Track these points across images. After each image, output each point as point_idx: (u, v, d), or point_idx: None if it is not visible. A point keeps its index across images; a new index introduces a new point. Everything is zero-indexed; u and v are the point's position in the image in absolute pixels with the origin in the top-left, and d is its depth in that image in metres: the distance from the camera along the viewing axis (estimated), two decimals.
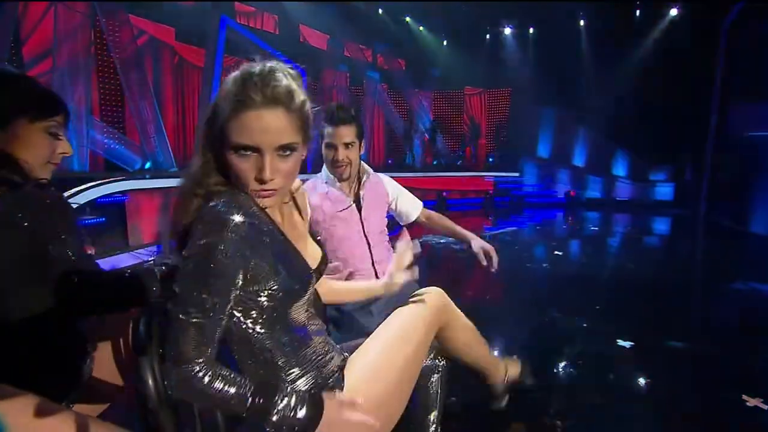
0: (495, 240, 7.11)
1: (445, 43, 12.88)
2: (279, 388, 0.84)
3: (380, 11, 11.36)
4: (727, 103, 9.61)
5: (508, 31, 12.29)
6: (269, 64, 0.85)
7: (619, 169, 11.75)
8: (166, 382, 0.83)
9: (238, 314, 0.88)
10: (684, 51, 9.88)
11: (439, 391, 1.29)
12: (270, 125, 0.81)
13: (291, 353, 0.94)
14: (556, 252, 5.88)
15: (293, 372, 0.94)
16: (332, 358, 1.02)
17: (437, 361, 1.31)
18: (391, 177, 7.54)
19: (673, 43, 10.16)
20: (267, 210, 0.91)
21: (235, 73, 0.85)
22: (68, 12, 6.69)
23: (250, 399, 0.80)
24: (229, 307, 0.83)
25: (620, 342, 2.80)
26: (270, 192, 0.85)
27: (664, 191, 11.27)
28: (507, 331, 3.11)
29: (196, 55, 8.75)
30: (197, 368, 0.78)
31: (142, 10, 7.62)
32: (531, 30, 11.97)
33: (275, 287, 0.87)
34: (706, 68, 9.81)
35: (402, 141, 12.60)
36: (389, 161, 11.90)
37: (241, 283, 0.83)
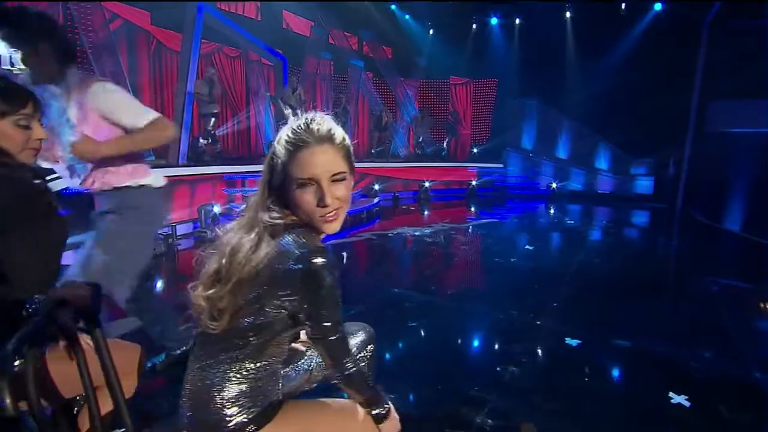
0: (471, 232, 7.18)
1: (431, 32, 12.76)
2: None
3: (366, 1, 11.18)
4: (707, 99, 9.70)
5: (494, 21, 12.19)
6: (310, 113, 1.02)
7: (602, 162, 11.84)
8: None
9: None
10: (667, 46, 9.92)
11: None
12: (321, 158, 0.97)
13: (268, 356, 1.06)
14: (527, 246, 5.95)
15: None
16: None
17: None
18: (375, 166, 7.58)
19: (657, 38, 10.18)
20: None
21: (284, 128, 1.01)
22: None
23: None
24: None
25: (568, 340, 2.86)
26: (333, 214, 1.00)
27: (645, 185, 11.40)
28: (459, 327, 3.16)
29: (176, 40, 8.55)
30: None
31: None
32: (517, 21, 11.89)
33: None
34: (688, 63, 9.87)
35: (386, 130, 12.53)
36: (372, 151, 11.85)
37: None
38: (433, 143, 13.08)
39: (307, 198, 0.97)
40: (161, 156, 7.03)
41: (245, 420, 0.99)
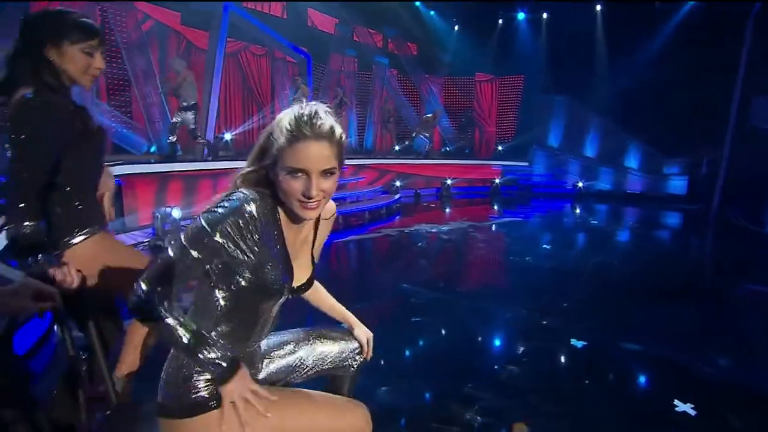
0: (490, 230, 7.09)
1: (456, 28, 12.61)
2: (213, 341, 1.02)
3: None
4: (751, 95, 9.16)
5: (521, 16, 11.93)
6: (315, 106, 1.03)
7: (632, 161, 11.41)
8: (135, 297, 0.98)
9: (215, 279, 1.05)
10: (705, 40, 9.42)
11: None
12: (316, 154, 0.99)
13: (228, 335, 1.08)
14: (544, 246, 5.82)
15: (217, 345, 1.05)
16: (255, 358, 1.18)
17: None
18: (397, 163, 7.52)
19: (694, 32, 9.70)
20: (281, 221, 1.07)
21: (288, 113, 1.02)
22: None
23: (188, 336, 0.99)
24: (205, 269, 1.02)
25: (573, 341, 2.81)
26: (315, 204, 1.02)
27: (678, 185, 10.91)
28: (463, 324, 3.15)
29: (205, 39, 8.80)
30: (156, 298, 0.98)
31: None
32: (545, 15, 11.59)
33: (251, 279, 1.03)
34: (727, 59, 9.35)
35: (409, 127, 12.51)
36: (396, 147, 11.84)
37: (223, 259, 1.01)
38: (457, 140, 12.98)
39: (295, 185, 1.00)
40: (189, 151, 7.31)
41: (206, 396, 1.02)
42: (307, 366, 1.29)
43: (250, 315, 1.09)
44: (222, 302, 1.05)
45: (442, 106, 13.13)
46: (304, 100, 1.06)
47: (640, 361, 2.67)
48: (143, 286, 0.96)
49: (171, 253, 0.97)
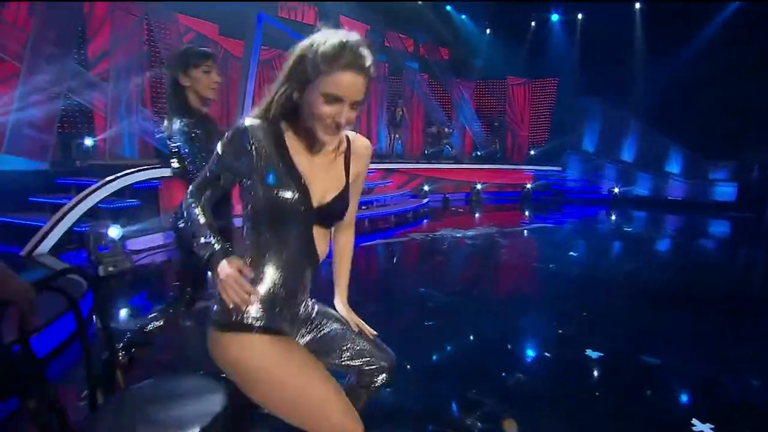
0: (516, 236, 6.97)
1: (488, 31, 12.49)
2: (213, 231, 1.13)
3: (419, 1, 11.22)
4: None
5: (555, 17, 11.67)
6: (356, 36, 1.05)
7: (673, 166, 10.87)
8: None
9: (243, 197, 1.16)
10: (752, 39, 8.88)
11: None
12: (355, 85, 1.02)
13: (259, 254, 1.14)
14: (571, 253, 5.66)
15: (259, 268, 1.14)
16: (297, 296, 1.20)
17: None
18: (426, 167, 7.56)
19: (741, 28, 9.16)
20: (287, 140, 1.12)
21: (331, 38, 1.02)
22: (124, 15, 7.35)
23: (200, 222, 1.14)
24: (223, 178, 1.16)
25: (588, 352, 2.74)
26: (339, 130, 1.07)
27: (726, 191, 10.30)
28: (476, 330, 3.13)
29: (241, 48, 9.18)
30: (192, 199, 1.18)
31: (188, 9, 8.16)
32: (579, 16, 11.28)
33: (262, 194, 1.09)
34: None
35: (441, 131, 12.47)
36: (426, 152, 11.82)
37: (231, 171, 1.14)
38: (487, 145, 12.82)
39: (328, 111, 1.02)
40: None
41: (254, 317, 1.12)
42: (345, 352, 1.28)
43: (278, 240, 1.12)
44: (248, 219, 1.14)
45: (473, 110, 13.03)
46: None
47: (660, 375, 2.55)
48: (187, 196, 1.19)
49: (207, 167, 1.18)
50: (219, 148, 1.13)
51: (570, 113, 11.95)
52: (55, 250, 4.49)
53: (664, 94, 10.03)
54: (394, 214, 7.83)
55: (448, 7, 11.80)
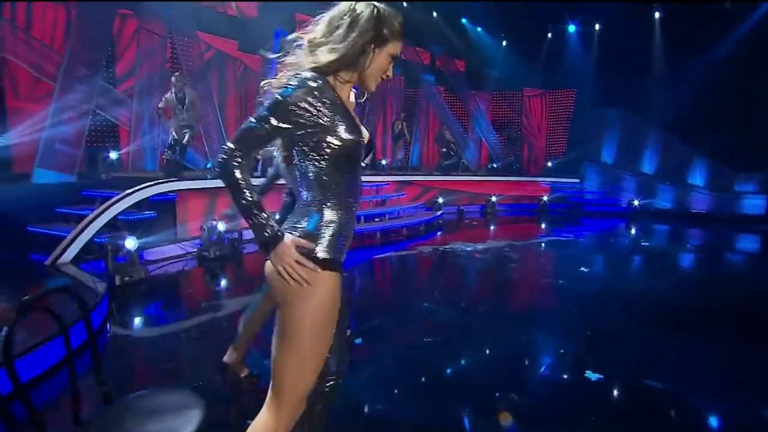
0: (528, 250, 6.88)
1: (504, 43, 12.49)
2: (265, 211, 1.12)
3: (434, 14, 11.33)
4: None
5: (572, 28, 11.59)
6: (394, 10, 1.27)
7: (696, 178, 10.55)
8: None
9: (307, 149, 1.20)
10: None
11: None
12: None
13: (337, 204, 1.21)
14: (582, 268, 5.55)
15: (325, 210, 1.21)
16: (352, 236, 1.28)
17: None
18: (440, 179, 7.51)
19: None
20: (337, 90, 1.24)
21: (392, 10, 1.25)
22: (149, 35, 7.72)
23: (249, 198, 1.11)
24: (290, 137, 1.19)
25: (588, 373, 2.69)
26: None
27: (754, 204, 9.91)
28: (473, 347, 3.12)
29: (259, 63, 9.47)
30: (237, 154, 1.12)
31: (209, 28, 8.49)
32: (597, 26, 11.17)
33: (334, 141, 1.17)
34: None
35: (457, 143, 12.46)
36: (443, 164, 11.80)
37: (305, 127, 1.17)
38: (503, 157, 12.74)
39: (384, 66, 1.27)
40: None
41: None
42: None
43: (351, 177, 1.23)
44: (322, 170, 1.18)
45: (489, 122, 12.99)
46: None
47: (661, 402, 2.46)
48: (228, 145, 1.12)
49: (252, 120, 1.15)
50: (278, 101, 1.14)
51: (588, 124, 11.79)
52: (77, 259, 4.71)
53: (687, 103, 9.78)
54: (407, 227, 7.85)
55: (464, 20, 11.87)
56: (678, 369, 2.86)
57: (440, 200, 9.61)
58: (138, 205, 5.36)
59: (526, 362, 2.90)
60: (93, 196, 5.77)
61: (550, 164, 12.48)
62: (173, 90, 6.37)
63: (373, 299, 4.40)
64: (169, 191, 5.63)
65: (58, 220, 5.53)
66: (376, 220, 7.87)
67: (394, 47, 1.25)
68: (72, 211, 5.48)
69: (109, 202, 5.06)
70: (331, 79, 1.23)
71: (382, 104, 11.64)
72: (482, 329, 3.46)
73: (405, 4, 11.22)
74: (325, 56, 1.20)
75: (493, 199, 10.55)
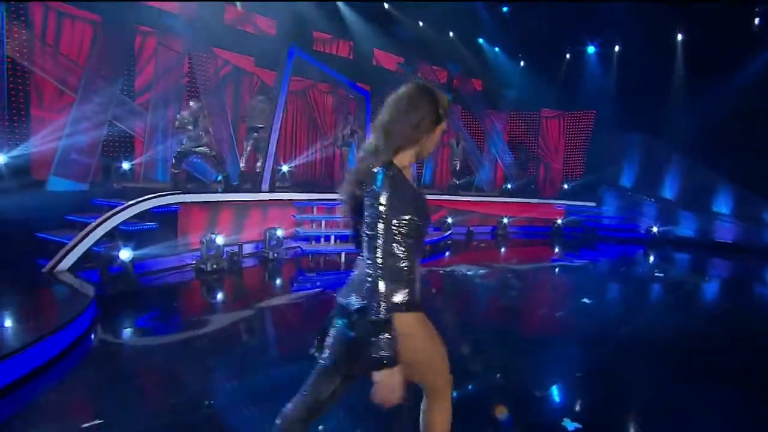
0: (531, 275, 6.64)
1: (522, 63, 12.39)
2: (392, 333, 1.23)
3: (451, 34, 11.36)
4: None
5: (591, 50, 11.39)
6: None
7: (721, 206, 10.05)
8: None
9: (403, 231, 1.34)
10: None
11: None
12: None
13: (410, 270, 1.37)
14: (584, 300, 5.28)
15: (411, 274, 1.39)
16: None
17: None
18: (451, 199, 6.97)
19: None
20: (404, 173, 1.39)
21: (440, 93, 1.41)
22: (166, 50, 7.99)
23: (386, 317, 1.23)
24: (393, 231, 1.32)
25: (566, 422, 2.50)
26: None
27: None
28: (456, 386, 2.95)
29: (274, 78, 9.62)
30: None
31: (225, 44, 8.72)
32: (617, 48, 10.94)
33: (419, 219, 1.34)
34: None
35: (471, 163, 12.33)
36: (456, 182, 11.66)
37: (403, 216, 1.32)
38: (517, 178, 12.52)
39: (439, 140, 1.47)
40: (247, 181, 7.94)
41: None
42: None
43: (420, 247, 1.42)
44: (407, 246, 1.34)
45: (505, 142, 12.82)
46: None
47: None
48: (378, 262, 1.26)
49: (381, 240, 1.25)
50: (398, 201, 1.29)
51: (607, 147, 11.47)
52: (76, 267, 4.79)
53: (711, 127, 9.39)
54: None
55: (481, 40, 11.85)
56: (669, 422, 2.61)
57: (449, 220, 9.46)
58: (141, 216, 5.45)
59: (500, 405, 2.68)
60: (101, 204, 5.91)
61: (566, 186, 12.17)
62: (189, 112, 6.54)
63: None
64: (171, 203, 5.71)
65: (66, 227, 5.67)
66: None
67: (445, 123, 1.42)
68: (80, 219, 5.61)
69: (110, 212, 5.16)
70: (397, 161, 1.37)
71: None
72: (457, 365, 3.28)
73: (421, 23, 11.34)
74: (394, 140, 1.36)
75: (505, 220, 10.32)
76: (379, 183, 1.26)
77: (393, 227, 1.29)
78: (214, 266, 5.60)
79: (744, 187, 9.76)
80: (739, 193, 9.89)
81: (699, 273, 7.89)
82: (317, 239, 7.02)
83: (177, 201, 5.76)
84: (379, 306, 1.20)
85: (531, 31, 10.87)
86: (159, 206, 5.55)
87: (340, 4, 10.43)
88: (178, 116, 6.66)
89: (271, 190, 7.59)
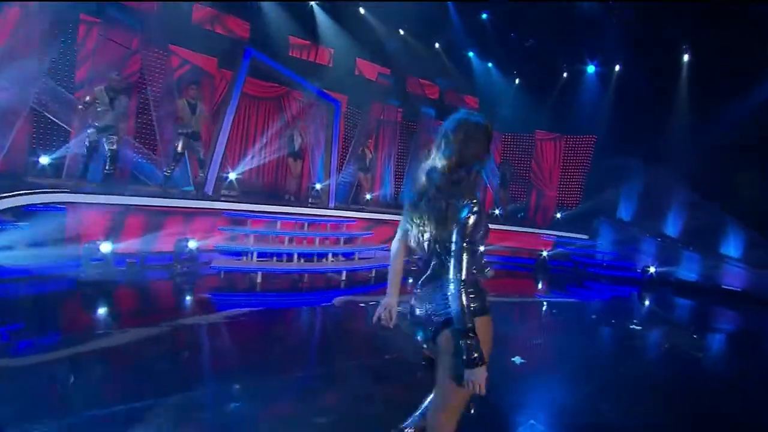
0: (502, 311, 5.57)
1: (517, 81, 11.56)
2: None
3: (437, 45, 10.65)
4: None
5: (591, 69, 10.50)
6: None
7: (730, 248, 8.82)
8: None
9: (478, 237, 1.73)
10: None
11: None
12: None
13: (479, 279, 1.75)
14: (537, 341, 4.20)
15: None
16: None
17: None
18: None
19: None
20: None
21: (484, 121, 1.79)
22: (116, 46, 7.41)
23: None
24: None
25: None
26: None
27: None
28: None
29: (249, 85, 9.00)
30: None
31: (183, 42, 8.17)
32: (617, 68, 10.02)
33: (485, 227, 1.73)
34: None
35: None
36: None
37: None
38: (510, 203, 11.52)
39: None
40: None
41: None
42: None
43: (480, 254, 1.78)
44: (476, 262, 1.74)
45: (495, 164, 11.89)
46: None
47: None
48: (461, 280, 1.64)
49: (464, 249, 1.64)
50: (481, 229, 1.71)
51: (605, 175, 10.42)
52: None
53: (722, 159, 8.33)
54: (376, 269, 6.95)
55: (470, 53, 11.10)
56: None
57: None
58: (15, 214, 4.69)
59: None
60: None
61: (559, 216, 11.08)
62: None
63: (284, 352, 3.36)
64: (52, 202, 4.92)
65: None
66: (340, 258, 6.93)
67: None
68: None
69: None
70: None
71: (375, 135, 10.90)
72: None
73: (404, 34, 10.70)
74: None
75: (481, 249, 9.26)
76: (465, 213, 1.64)
77: (474, 251, 1.64)
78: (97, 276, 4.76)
79: (756, 228, 8.53)
80: (751, 235, 8.66)
81: (696, 326, 6.66)
82: (238, 255, 6.02)
83: (62, 201, 4.97)
84: (466, 315, 1.55)
85: (528, 48, 10.09)
86: (36, 204, 4.77)
87: (315, 8, 9.92)
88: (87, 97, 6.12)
89: (215, 199, 6.84)
